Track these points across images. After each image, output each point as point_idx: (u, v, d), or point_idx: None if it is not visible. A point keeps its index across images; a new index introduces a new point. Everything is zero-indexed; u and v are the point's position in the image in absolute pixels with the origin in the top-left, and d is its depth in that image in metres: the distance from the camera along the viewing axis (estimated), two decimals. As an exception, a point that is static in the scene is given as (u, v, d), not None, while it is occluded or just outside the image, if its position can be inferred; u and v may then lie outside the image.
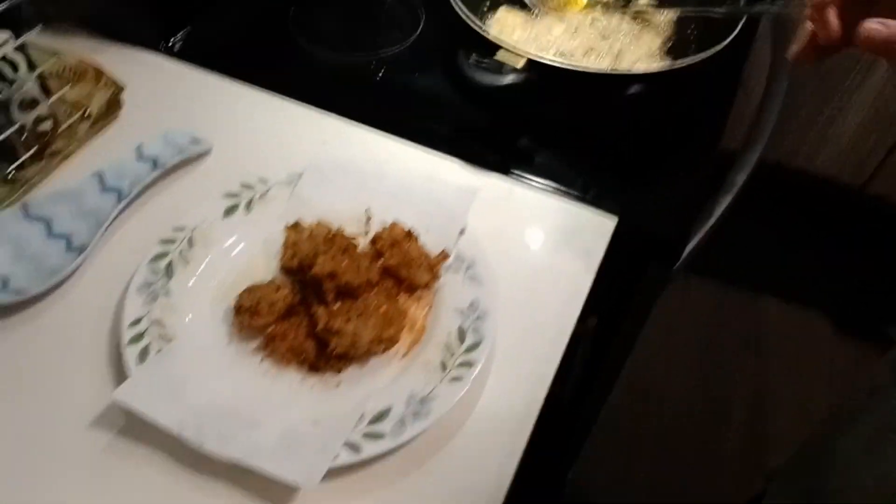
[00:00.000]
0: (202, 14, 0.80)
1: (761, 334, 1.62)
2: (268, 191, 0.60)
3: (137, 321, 0.50)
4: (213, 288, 0.54)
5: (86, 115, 0.66)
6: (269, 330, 0.51)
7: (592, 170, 0.68)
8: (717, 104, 0.75)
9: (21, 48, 0.62)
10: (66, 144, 0.65)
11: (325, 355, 0.50)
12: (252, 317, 0.50)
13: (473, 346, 0.50)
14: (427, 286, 0.55)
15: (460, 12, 0.72)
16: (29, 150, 0.62)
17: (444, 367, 0.50)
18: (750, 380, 1.54)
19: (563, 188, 0.65)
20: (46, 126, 0.65)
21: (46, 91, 0.65)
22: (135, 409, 0.45)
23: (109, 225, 0.57)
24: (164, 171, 0.62)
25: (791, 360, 1.58)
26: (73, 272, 0.55)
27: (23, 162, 0.62)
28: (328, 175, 0.62)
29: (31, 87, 0.63)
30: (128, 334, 0.49)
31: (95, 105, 0.67)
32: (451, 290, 0.55)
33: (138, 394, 0.46)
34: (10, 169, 0.61)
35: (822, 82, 1.50)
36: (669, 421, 1.47)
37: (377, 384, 0.50)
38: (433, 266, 0.55)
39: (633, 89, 0.75)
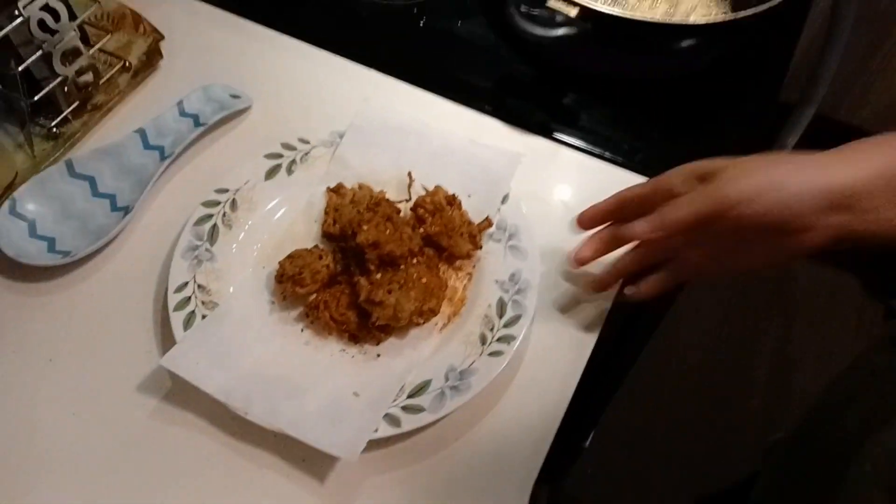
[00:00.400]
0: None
1: (788, 294, 1.59)
2: (309, 152, 0.59)
3: (183, 286, 0.51)
4: (255, 253, 0.55)
5: (126, 66, 0.66)
6: (311, 299, 0.52)
7: (640, 132, 0.66)
8: (775, 60, 0.70)
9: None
10: (108, 97, 0.65)
11: (365, 326, 0.50)
12: (295, 286, 0.51)
13: (513, 321, 0.50)
14: (468, 256, 0.54)
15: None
16: (71, 104, 0.62)
17: (483, 340, 0.50)
18: (775, 340, 1.52)
19: (608, 154, 0.62)
20: (88, 78, 0.64)
21: (86, 41, 0.64)
22: (182, 375, 0.46)
23: (153, 185, 0.58)
24: (206, 128, 0.61)
25: (817, 320, 1.55)
26: (118, 234, 0.55)
27: (66, 116, 0.62)
28: (369, 135, 0.61)
29: (72, 36, 0.62)
30: (174, 300, 0.50)
31: (135, 55, 0.66)
32: (492, 260, 0.54)
33: (185, 360, 0.47)
34: (54, 123, 0.61)
35: (871, 30, 1.41)
36: (692, 379, 1.46)
37: (417, 357, 0.50)
38: (475, 235, 0.54)
39: (687, 42, 0.71)
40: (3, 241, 0.52)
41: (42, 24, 0.59)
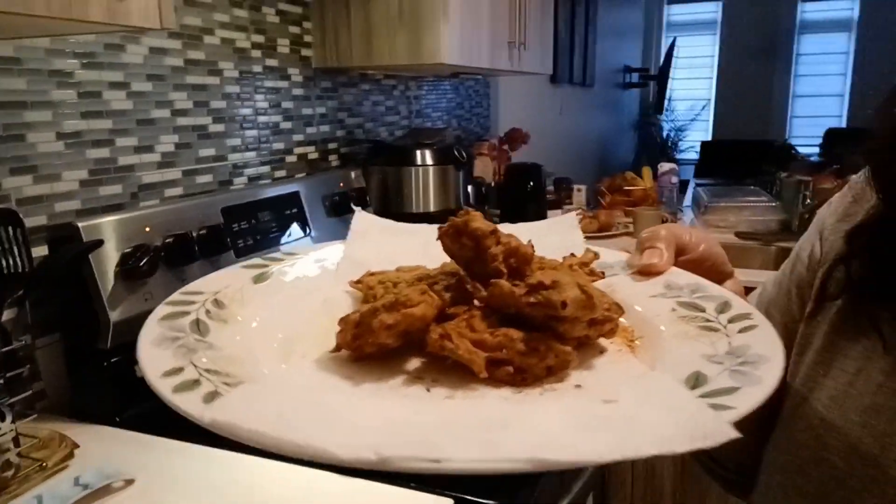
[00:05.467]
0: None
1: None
2: (295, 263, 0.55)
3: (177, 371, 0.38)
4: (276, 344, 0.45)
5: (42, 466, 0.85)
6: (434, 334, 0.40)
7: None
8: None
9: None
10: (19, 485, 0.82)
11: (531, 345, 0.39)
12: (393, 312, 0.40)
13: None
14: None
15: None
16: (-10, 490, 0.79)
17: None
18: None
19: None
20: (8, 474, 0.83)
21: (17, 443, 0.85)
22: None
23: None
24: (92, 491, 0.78)
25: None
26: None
27: (-21, 497, 0.78)
28: (375, 235, 0.58)
29: (5, 439, 0.84)
30: (165, 384, 0.37)
31: (53, 460, 0.87)
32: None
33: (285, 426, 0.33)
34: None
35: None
36: None
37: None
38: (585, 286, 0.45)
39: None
40: None
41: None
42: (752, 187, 2.56)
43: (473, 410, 0.37)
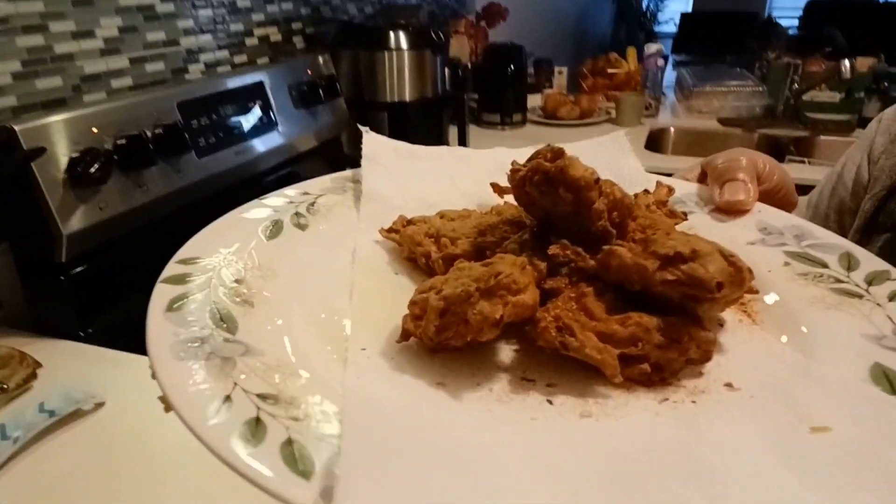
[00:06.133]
0: (116, 307, 1.00)
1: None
2: (314, 202, 0.46)
3: (224, 400, 0.28)
4: (320, 329, 0.36)
5: (3, 388, 0.80)
6: (543, 320, 0.32)
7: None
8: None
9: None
10: (-20, 409, 0.78)
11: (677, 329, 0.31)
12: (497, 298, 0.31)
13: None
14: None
15: None
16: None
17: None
18: None
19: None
20: (-32, 395, 0.78)
21: (-25, 370, 0.80)
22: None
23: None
24: (60, 418, 0.74)
25: None
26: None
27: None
28: (391, 163, 0.49)
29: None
30: (218, 433, 0.27)
31: (14, 381, 0.82)
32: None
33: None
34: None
35: None
36: None
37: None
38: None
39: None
40: None
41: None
42: (737, 69, 2.46)
43: (638, 441, 0.29)
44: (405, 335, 0.34)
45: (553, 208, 0.36)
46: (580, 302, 0.33)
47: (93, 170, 0.88)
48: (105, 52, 1.08)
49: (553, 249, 0.34)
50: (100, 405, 0.80)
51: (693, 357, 0.32)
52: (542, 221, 0.37)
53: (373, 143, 0.51)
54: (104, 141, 0.93)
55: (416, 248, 0.40)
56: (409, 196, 0.46)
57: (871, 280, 0.37)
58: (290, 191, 0.47)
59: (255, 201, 0.46)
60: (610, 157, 0.48)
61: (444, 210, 0.44)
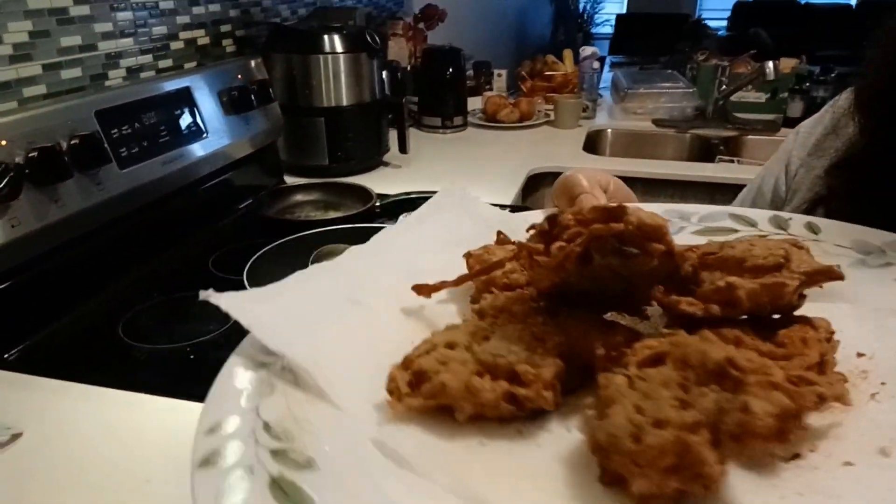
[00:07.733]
0: (37, 331, 0.94)
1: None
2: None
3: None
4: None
5: None
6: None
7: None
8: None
9: None
10: None
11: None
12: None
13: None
14: None
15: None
16: None
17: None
18: None
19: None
20: None
21: None
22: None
23: None
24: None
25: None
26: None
27: None
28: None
29: None
30: None
31: (-81, 413, 0.76)
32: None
33: None
34: None
35: None
36: None
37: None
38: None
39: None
40: None
41: None
42: (669, 71, 2.52)
43: None
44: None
45: (623, 272, 0.31)
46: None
47: (0, 186, 0.82)
48: (14, 58, 1.01)
49: (688, 308, 0.31)
50: (17, 436, 0.74)
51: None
52: (554, 298, 0.34)
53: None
54: (15, 154, 0.87)
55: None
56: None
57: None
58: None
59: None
60: (465, 210, 0.49)
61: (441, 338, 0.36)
